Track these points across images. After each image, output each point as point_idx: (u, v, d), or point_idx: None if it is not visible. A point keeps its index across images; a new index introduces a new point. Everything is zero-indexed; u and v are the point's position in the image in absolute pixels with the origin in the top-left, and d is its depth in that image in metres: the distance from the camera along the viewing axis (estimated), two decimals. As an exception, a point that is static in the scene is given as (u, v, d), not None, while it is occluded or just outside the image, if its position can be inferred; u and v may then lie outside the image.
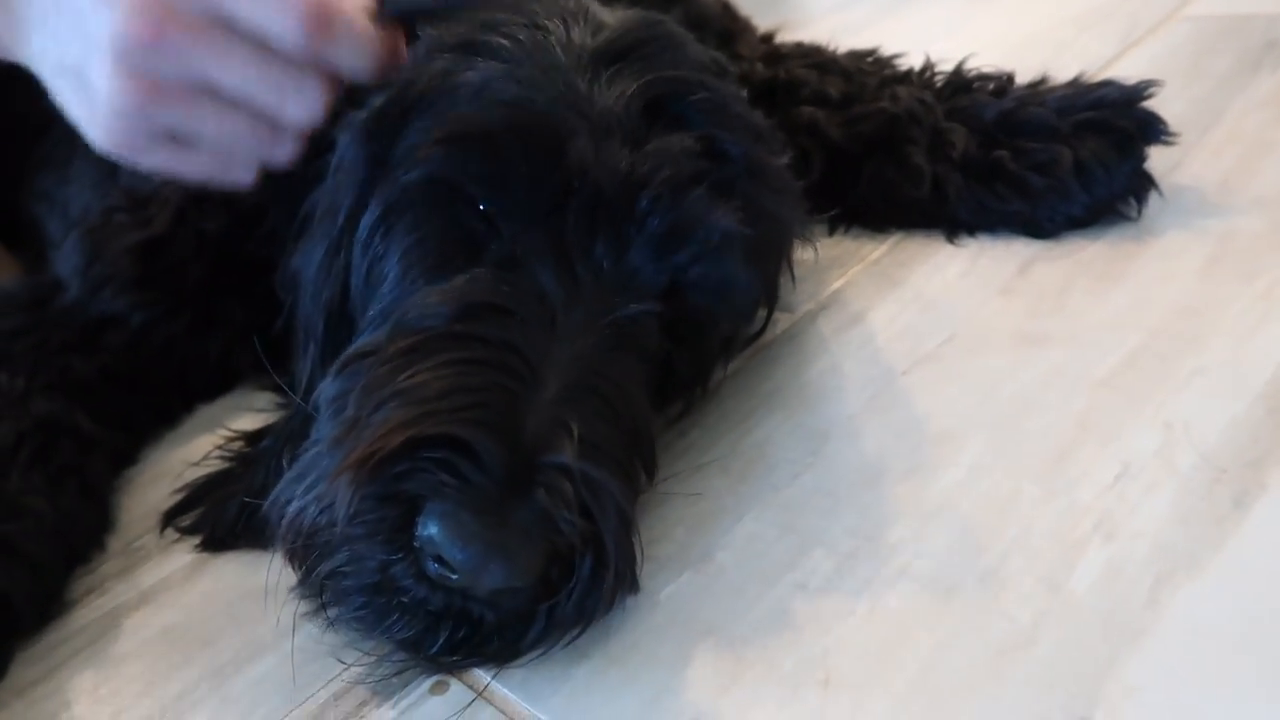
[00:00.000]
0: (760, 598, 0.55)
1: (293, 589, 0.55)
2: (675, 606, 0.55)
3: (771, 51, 0.97)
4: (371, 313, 0.59)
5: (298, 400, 0.63)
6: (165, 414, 0.81)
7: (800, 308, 0.79)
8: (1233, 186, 0.82)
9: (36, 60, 0.59)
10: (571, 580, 0.49)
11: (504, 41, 0.61)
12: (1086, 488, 0.57)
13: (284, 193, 0.78)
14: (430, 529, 0.47)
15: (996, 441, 0.62)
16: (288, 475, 0.54)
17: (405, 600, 0.49)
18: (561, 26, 0.62)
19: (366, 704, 0.53)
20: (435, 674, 0.53)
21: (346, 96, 0.67)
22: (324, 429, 0.53)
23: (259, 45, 0.58)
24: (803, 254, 0.83)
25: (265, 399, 0.77)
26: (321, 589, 0.52)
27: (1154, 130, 0.79)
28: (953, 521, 0.57)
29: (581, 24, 0.62)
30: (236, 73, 0.57)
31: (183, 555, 0.66)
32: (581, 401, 0.51)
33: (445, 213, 0.58)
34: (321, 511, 0.50)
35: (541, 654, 0.51)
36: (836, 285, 0.82)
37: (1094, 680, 0.47)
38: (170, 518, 0.67)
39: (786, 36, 1.07)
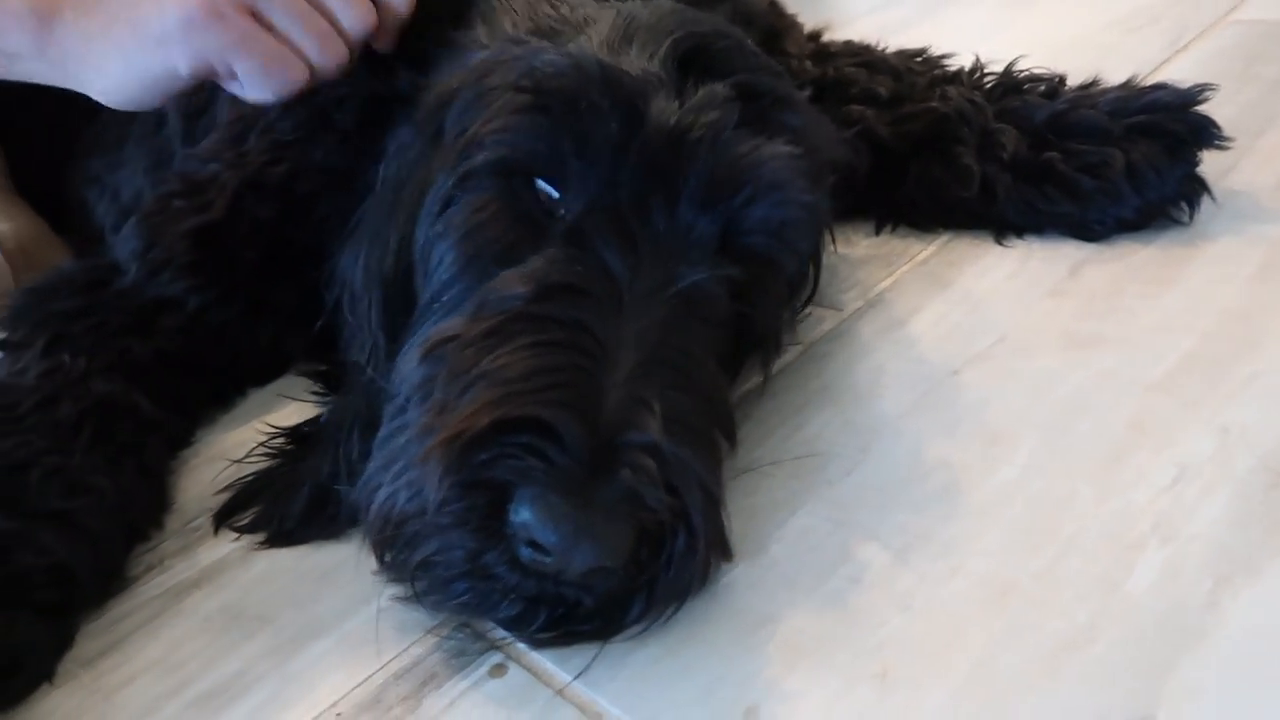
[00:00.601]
0: (814, 590, 0.56)
1: (377, 573, 0.55)
2: (730, 597, 0.56)
3: (820, 49, 0.97)
4: (433, 290, 0.60)
5: (365, 377, 0.64)
6: (219, 397, 0.82)
7: (849, 306, 0.79)
8: (1286, 192, 0.82)
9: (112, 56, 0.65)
10: (663, 557, 0.50)
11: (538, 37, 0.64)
12: (1142, 490, 0.57)
13: (337, 182, 0.79)
14: (522, 514, 0.47)
15: (1049, 442, 0.62)
16: (375, 462, 0.55)
17: (500, 586, 0.50)
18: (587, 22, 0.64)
19: (427, 684, 0.54)
20: (540, 649, 0.54)
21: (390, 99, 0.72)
22: (411, 415, 0.54)
23: None
24: (847, 250, 0.84)
25: (305, 387, 0.78)
26: (414, 578, 0.53)
27: (1208, 134, 0.79)
28: (1007, 520, 0.57)
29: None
30: None
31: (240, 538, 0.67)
32: (656, 376, 0.52)
33: (506, 193, 0.59)
34: (410, 498, 0.51)
35: (642, 630, 0.52)
36: (884, 284, 0.82)
37: (1154, 680, 0.47)
38: (223, 518, 0.68)
39: (830, 36, 1.07)
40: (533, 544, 0.48)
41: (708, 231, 0.58)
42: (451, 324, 0.55)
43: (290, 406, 0.78)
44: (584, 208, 0.57)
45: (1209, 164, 0.82)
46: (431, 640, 0.56)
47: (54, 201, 1.13)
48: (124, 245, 0.82)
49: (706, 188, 0.57)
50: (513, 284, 0.54)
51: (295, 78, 0.68)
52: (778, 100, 0.62)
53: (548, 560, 0.48)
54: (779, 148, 0.59)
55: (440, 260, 0.60)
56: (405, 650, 0.56)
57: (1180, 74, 1.05)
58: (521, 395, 0.49)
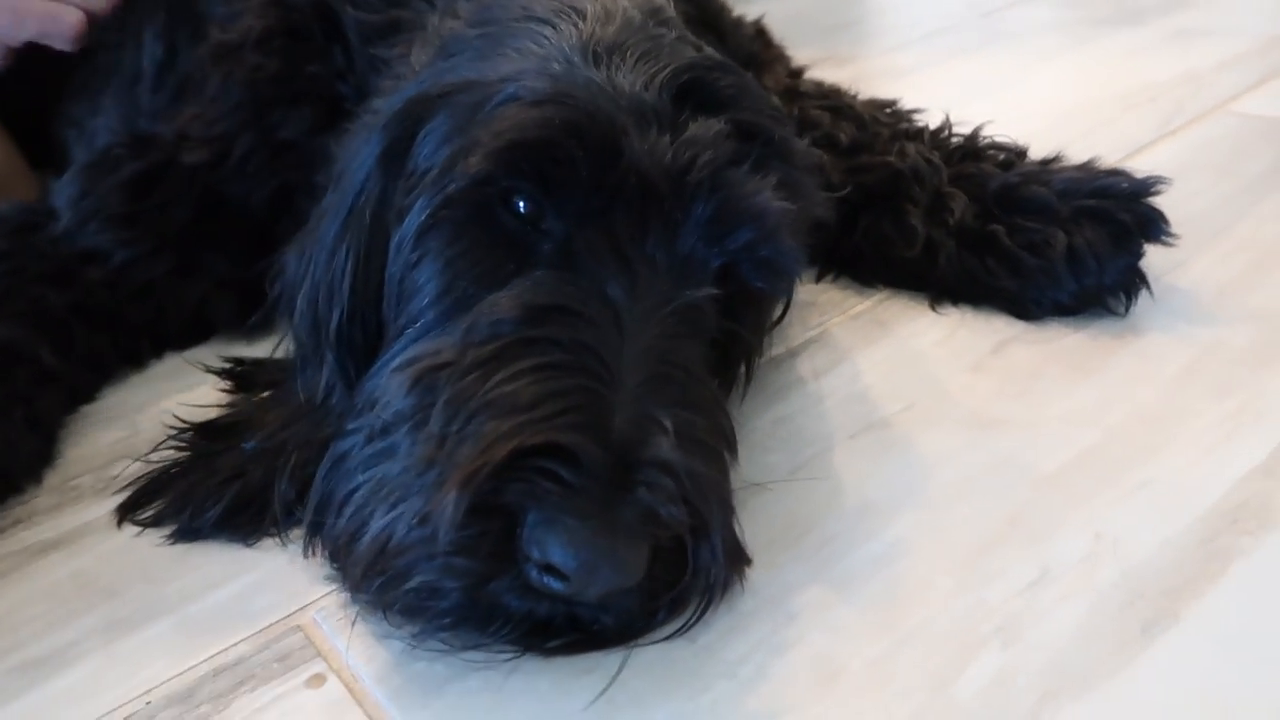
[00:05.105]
0: (645, 648, 0.54)
1: (355, 600, 0.54)
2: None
3: (791, 88, 0.96)
4: (410, 314, 0.58)
5: (320, 398, 0.63)
6: (133, 356, 0.82)
7: (768, 350, 0.78)
8: (1230, 296, 0.80)
9: None
10: (684, 572, 0.50)
11: (516, 38, 0.62)
12: (998, 587, 0.56)
13: (253, 119, 0.80)
14: (537, 539, 0.46)
15: (924, 522, 0.61)
16: (362, 488, 0.53)
17: (510, 612, 0.50)
18: (566, 21, 0.62)
19: (242, 684, 0.53)
20: (553, 657, 0.52)
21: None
22: (402, 442, 0.52)
23: None
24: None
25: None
26: (406, 606, 0.51)
27: (1155, 228, 0.77)
28: (862, 597, 0.56)
29: (585, 19, 0.62)
30: None
31: (113, 502, 0.67)
32: (662, 393, 0.51)
33: (487, 219, 0.57)
34: (412, 530, 0.49)
35: (674, 632, 0.53)
36: (812, 334, 0.81)
37: (951, 789, 0.46)
38: (128, 511, 0.65)
39: (829, 72, 1.06)
40: (548, 568, 0.47)
41: (707, 263, 0.58)
42: (439, 350, 0.54)
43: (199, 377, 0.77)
44: (570, 230, 0.56)
45: (1161, 257, 0.80)
46: (261, 639, 0.56)
47: (38, 139, 1.14)
48: (61, 192, 0.82)
49: (708, 225, 0.57)
50: (503, 308, 0.53)
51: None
52: (776, 147, 0.61)
53: (561, 586, 0.47)
54: (778, 202, 0.58)
55: (420, 285, 0.58)
56: (232, 646, 0.56)
57: (1166, 157, 1.04)
58: (535, 423, 0.48)
